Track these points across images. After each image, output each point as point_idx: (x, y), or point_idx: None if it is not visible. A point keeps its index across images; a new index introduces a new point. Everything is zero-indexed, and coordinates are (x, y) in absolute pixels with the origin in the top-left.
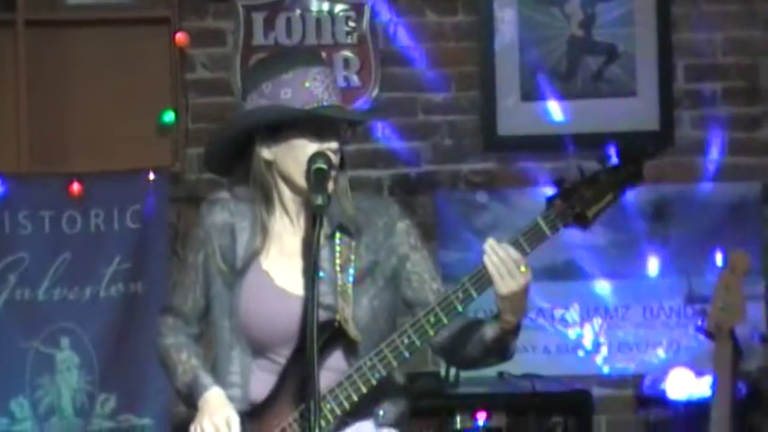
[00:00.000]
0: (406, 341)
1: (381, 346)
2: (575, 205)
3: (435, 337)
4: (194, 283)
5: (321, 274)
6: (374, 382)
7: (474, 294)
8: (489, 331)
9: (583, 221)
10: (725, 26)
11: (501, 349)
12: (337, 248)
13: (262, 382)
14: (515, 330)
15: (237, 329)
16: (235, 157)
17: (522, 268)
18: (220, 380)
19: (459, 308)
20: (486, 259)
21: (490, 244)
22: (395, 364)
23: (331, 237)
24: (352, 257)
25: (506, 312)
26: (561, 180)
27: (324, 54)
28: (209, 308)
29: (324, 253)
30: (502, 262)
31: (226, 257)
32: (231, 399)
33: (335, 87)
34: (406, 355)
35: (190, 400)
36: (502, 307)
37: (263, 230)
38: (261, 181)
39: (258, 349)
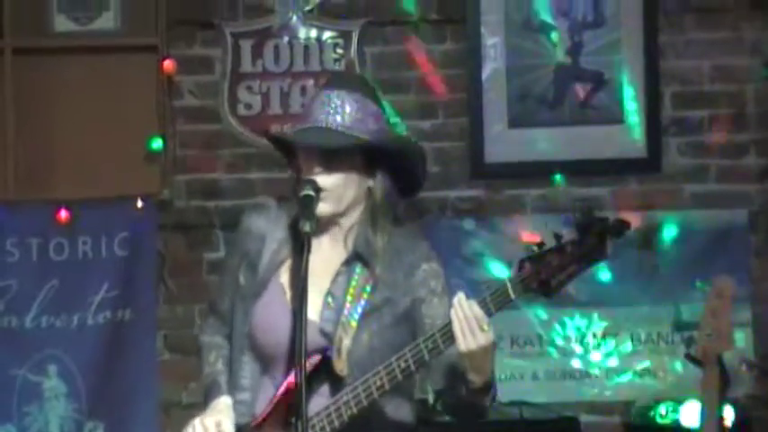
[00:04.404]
0: (378, 383)
1: (356, 383)
2: (541, 272)
3: (403, 381)
4: (230, 285)
5: (330, 300)
6: (347, 420)
7: (441, 347)
8: (462, 386)
9: (546, 289)
10: (712, 54)
11: (474, 405)
12: (354, 278)
13: (265, 398)
14: (485, 389)
15: (251, 336)
16: None
17: (485, 327)
18: (233, 382)
19: (427, 358)
20: (452, 313)
21: (459, 299)
22: (365, 402)
23: (350, 265)
24: (367, 289)
25: (469, 371)
26: (540, 244)
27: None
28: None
29: (339, 280)
30: (465, 319)
31: (251, 264)
32: (241, 403)
33: (341, 111)
34: (376, 395)
35: (206, 401)
36: (465, 365)
37: (288, 244)
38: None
39: (263, 362)
